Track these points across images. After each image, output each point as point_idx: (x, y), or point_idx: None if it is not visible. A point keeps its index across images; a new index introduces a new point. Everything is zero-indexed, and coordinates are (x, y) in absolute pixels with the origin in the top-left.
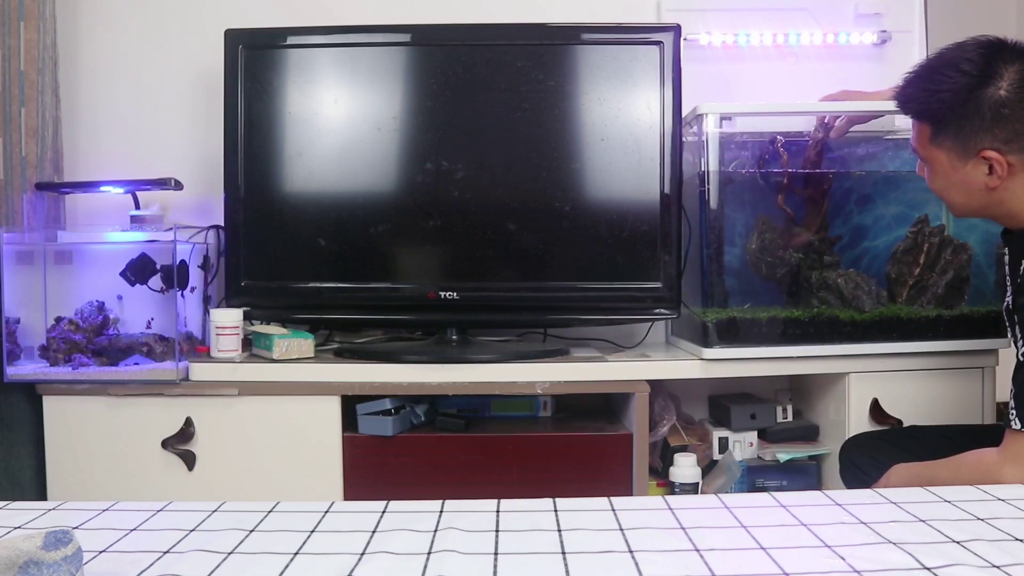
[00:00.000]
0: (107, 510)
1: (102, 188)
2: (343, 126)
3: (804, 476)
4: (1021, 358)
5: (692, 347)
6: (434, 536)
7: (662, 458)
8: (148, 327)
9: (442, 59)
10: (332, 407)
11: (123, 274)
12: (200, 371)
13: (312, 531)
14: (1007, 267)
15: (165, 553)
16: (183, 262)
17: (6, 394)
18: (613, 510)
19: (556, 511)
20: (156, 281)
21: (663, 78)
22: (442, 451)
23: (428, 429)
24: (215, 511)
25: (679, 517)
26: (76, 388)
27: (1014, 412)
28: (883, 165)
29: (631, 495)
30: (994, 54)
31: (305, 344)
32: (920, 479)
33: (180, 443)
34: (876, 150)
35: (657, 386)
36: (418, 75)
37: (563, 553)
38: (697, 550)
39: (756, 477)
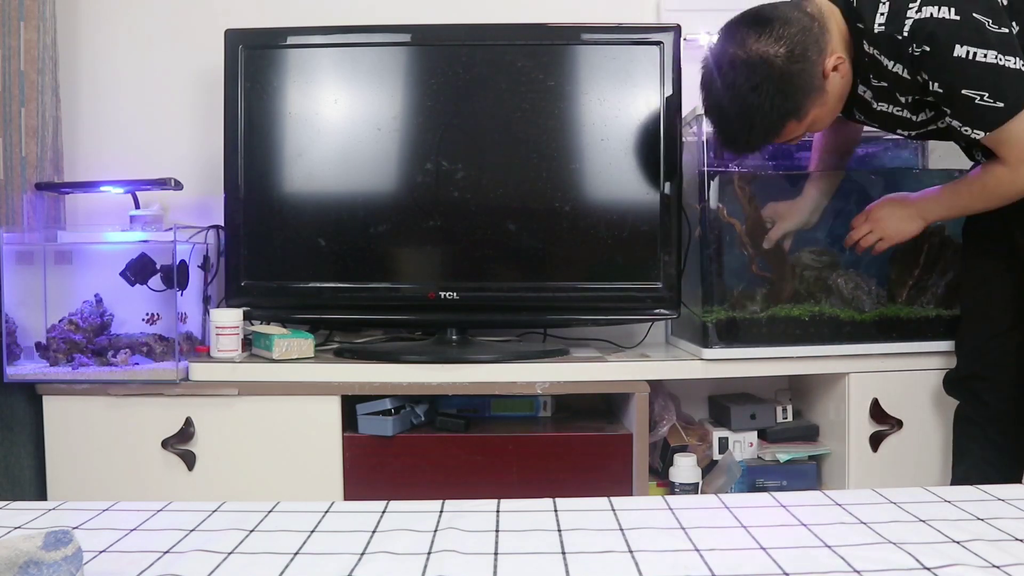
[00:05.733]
0: (107, 510)
1: (102, 188)
2: (343, 126)
3: (804, 476)
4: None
5: (692, 347)
6: (434, 536)
7: (662, 458)
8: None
9: (442, 59)
10: (332, 407)
11: (123, 274)
12: (200, 371)
13: (312, 531)
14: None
15: (165, 553)
16: (183, 262)
17: (6, 394)
18: (613, 510)
19: (556, 511)
20: (156, 281)
21: (663, 78)
22: (442, 451)
23: (428, 429)
24: (215, 511)
25: (679, 517)
26: (76, 388)
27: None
28: (883, 165)
29: (631, 495)
30: (742, 58)
31: (305, 344)
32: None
33: (180, 443)
34: (876, 150)
35: (657, 386)
36: (418, 75)
37: (563, 553)
38: (697, 550)
39: (756, 477)
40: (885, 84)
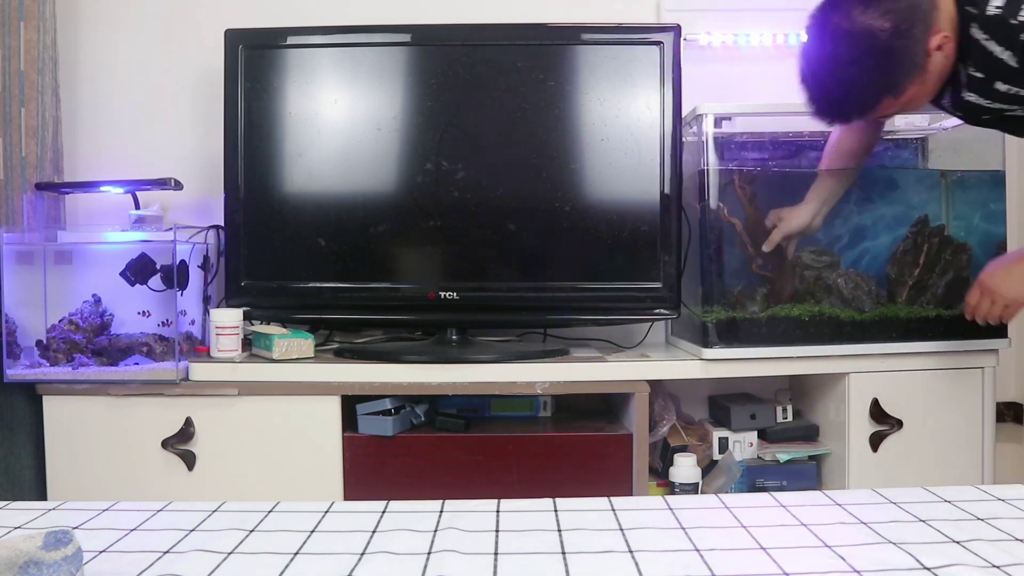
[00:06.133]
0: (107, 510)
1: (102, 188)
2: (343, 126)
3: (804, 476)
4: None
5: (692, 347)
6: (434, 536)
7: (662, 458)
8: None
9: (442, 59)
10: (332, 407)
11: (123, 274)
12: (200, 371)
13: (312, 531)
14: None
15: (165, 553)
16: (183, 262)
17: (6, 394)
18: (613, 510)
19: (556, 511)
20: (156, 281)
21: (663, 78)
22: (442, 451)
23: (428, 429)
24: (215, 511)
25: (679, 517)
26: (76, 388)
27: None
28: (883, 165)
29: (631, 495)
30: (845, 29)
31: (305, 344)
32: None
33: (180, 443)
34: (876, 150)
35: (657, 386)
36: (418, 75)
37: (563, 553)
38: (697, 550)
39: (756, 477)
40: (982, 75)
